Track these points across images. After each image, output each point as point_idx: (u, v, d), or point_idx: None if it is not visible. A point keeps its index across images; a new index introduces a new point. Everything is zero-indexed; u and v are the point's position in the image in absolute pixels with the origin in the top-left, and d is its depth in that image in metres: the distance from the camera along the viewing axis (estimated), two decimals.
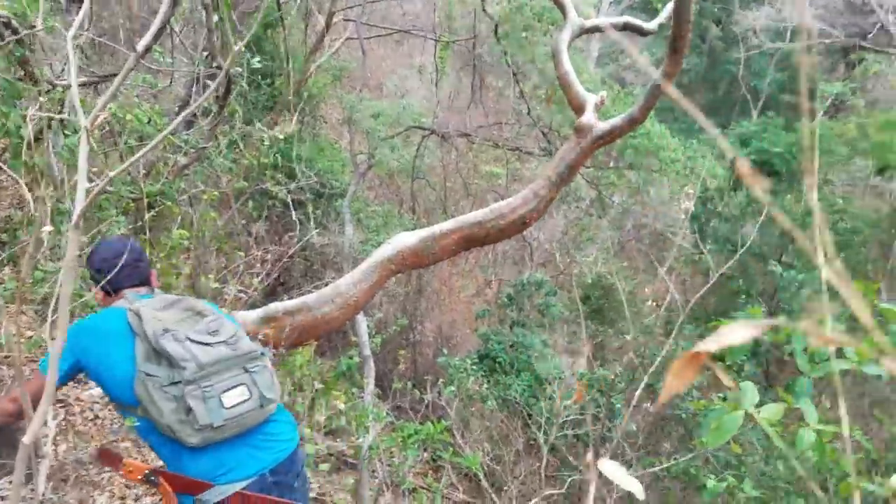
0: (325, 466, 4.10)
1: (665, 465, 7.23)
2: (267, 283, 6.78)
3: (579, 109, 5.34)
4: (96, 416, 3.94)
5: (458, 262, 17.20)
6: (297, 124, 12.14)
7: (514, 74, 10.22)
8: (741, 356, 2.89)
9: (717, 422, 2.65)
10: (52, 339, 1.71)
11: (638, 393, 7.16)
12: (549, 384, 9.26)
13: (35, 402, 1.99)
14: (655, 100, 5.03)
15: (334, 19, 10.73)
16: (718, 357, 8.82)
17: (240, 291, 4.37)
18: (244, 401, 1.91)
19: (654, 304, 18.28)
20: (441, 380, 8.17)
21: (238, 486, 1.91)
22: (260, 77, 11.54)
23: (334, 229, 12.02)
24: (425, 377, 11.24)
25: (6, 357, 4.18)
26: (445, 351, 10.48)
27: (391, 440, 4.50)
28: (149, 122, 5.54)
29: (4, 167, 3.87)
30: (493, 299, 16.08)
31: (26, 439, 1.42)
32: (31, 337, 4.16)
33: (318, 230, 10.53)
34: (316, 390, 4.68)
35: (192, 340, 1.89)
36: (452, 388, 6.44)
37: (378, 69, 16.42)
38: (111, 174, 1.36)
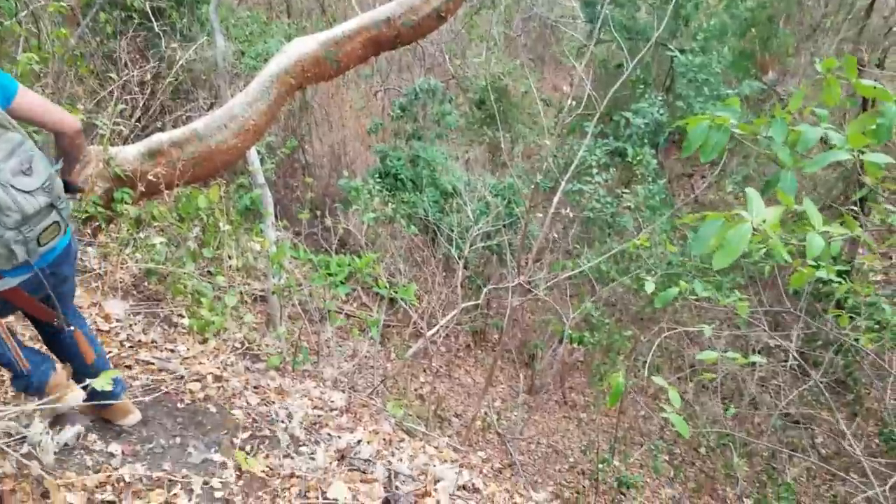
0: (249, 318, 3.64)
1: (581, 269, 7.30)
2: (137, 112, 5.78)
3: None
4: None
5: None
6: None
7: None
8: (714, 154, 2.54)
9: (718, 238, 2.35)
10: None
11: (556, 199, 7.05)
12: (457, 197, 8.99)
13: None
14: None
15: None
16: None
17: (115, 125, 3.52)
18: (56, 236, 2.04)
19: (545, 103, 18.05)
20: (354, 207, 7.64)
21: (18, 280, 2.03)
22: None
23: (201, 43, 10.51)
24: (326, 200, 10.69)
25: None
26: (346, 173, 9.86)
27: (319, 279, 4.05)
28: None
29: None
30: (381, 112, 15.24)
31: None
32: None
33: (183, 42, 9.13)
34: (222, 232, 4.07)
35: (15, 188, 1.88)
36: (372, 215, 5.97)
37: None
38: None
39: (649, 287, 4.55)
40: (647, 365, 5.03)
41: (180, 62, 5.83)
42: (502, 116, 13.39)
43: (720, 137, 2.57)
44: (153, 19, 7.58)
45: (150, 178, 3.59)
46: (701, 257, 7.13)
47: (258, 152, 8.09)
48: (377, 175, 9.84)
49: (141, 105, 6.49)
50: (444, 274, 8.63)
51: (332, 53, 4.67)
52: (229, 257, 4.10)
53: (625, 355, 7.73)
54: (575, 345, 7.52)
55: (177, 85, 10.73)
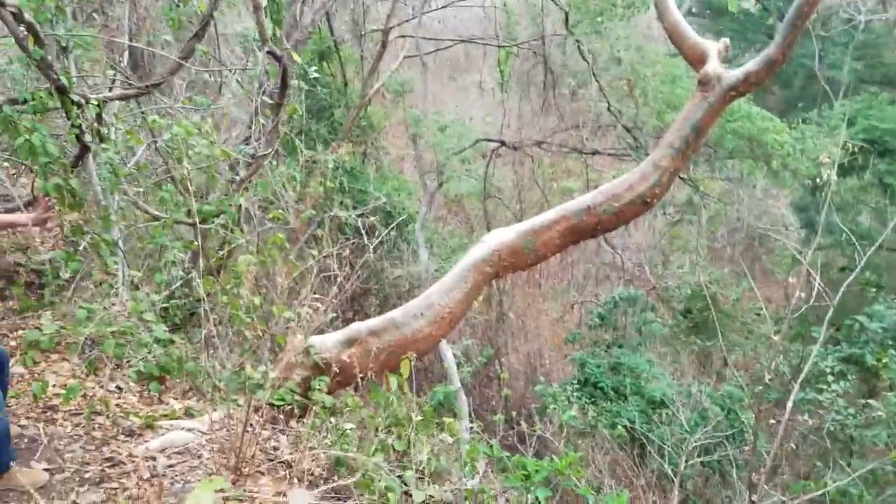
0: None
1: (825, 489, 5.95)
2: (340, 318, 6.04)
3: (699, 61, 4.43)
4: (153, 475, 3.18)
5: (536, 284, 16.21)
6: (360, 154, 11.61)
7: (590, 66, 9.21)
8: None
9: None
10: None
11: (789, 406, 6.01)
12: (667, 406, 8.12)
13: None
14: (797, 34, 4.07)
15: (390, 36, 10.18)
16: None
17: (312, 309, 3.62)
18: None
19: (756, 314, 16.73)
20: (551, 406, 7.15)
21: None
22: (318, 109, 11.11)
23: (407, 259, 11.27)
24: (522, 408, 10.24)
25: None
26: (542, 378, 9.46)
27: (514, 479, 3.57)
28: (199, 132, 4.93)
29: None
30: (579, 322, 14.97)
31: None
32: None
33: (390, 258, 9.84)
34: (414, 422, 3.81)
35: None
36: (571, 413, 5.45)
37: (439, 89, 15.81)
38: None
39: None
40: None
41: (376, 277, 6.13)
42: (713, 325, 12.50)
43: None
44: (365, 234, 8.26)
45: (345, 358, 3.54)
46: None
47: (454, 356, 8.08)
48: (575, 382, 9.32)
49: (347, 315, 6.85)
50: (656, 493, 7.53)
51: (530, 242, 4.59)
52: (419, 452, 3.78)
53: None
54: None
55: (383, 298, 11.42)
